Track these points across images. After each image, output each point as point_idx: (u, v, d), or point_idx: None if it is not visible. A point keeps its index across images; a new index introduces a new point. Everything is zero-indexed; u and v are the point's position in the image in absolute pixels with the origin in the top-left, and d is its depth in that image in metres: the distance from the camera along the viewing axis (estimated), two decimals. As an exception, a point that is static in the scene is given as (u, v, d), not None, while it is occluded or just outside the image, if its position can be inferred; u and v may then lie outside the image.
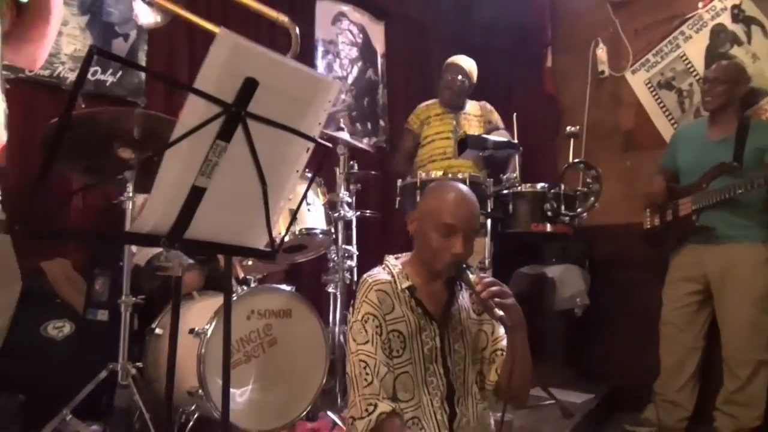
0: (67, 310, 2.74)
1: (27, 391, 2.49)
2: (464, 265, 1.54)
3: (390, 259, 1.69)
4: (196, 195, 0.95)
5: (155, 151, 0.85)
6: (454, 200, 1.57)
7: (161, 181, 0.91)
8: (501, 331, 1.68)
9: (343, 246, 2.84)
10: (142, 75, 3.43)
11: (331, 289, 2.85)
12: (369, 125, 4.71)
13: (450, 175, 2.68)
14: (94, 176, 2.26)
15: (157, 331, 2.26)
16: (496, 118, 3.69)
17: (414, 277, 1.62)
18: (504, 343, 1.65)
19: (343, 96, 4.57)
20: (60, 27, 3.13)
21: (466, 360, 1.65)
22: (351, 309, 1.57)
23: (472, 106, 3.68)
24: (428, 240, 1.55)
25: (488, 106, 3.74)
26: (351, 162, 3.01)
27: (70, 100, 0.75)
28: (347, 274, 2.84)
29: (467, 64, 3.63)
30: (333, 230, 2.59)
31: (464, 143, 2.70)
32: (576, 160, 2.87)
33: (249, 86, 0.92)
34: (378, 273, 1.62)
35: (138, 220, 0.91)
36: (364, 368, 1.44)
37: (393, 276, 1.60)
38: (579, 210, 2.82)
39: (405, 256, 1.71)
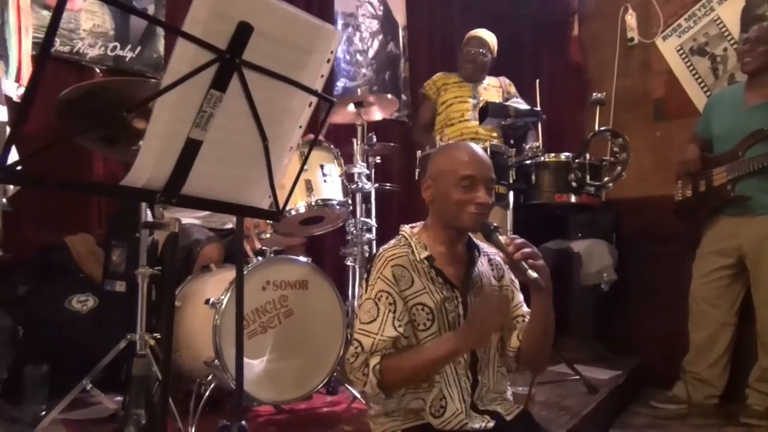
0: (91, 284, 2.78)
1: (52, 361, 2.54)
2: (493, 226, 1.48)
3: (406, 229, 1.63)
4: (191, 148, 0.91)
5: (144, 100, 0.81)
6: (466, 152, 1.53)
7: (152, 131, 0.87)
8: (521, 296, 1.64)
9: (362, 218, 2.79)
10: (161, 50, 3.42)
11: (349, 263, 2.81)
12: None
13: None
14: (109, 147, 2.25)
15: (177, 303, 2.26)
16: (514, 91, 3.59)
17: (432, 245, 1.56)
18: (524, 308, 1.61)
19: (363, 70, 4.50)
20: (79, 3, 3.15)
21: (490, 327, 1.60)
22: (364, 284, 1.51)
23: (490, 80, 3.59)
24: (449, 198, 1.49)
25: (506, 80, 3.64)
26: (369, 134, 2.95)
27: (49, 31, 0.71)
28: (366, 248, 2.80)
29: (489, 36, 3.55)
30: (350, 202, 2.55)
31: (485, 111, 2.62)
32: (602, 128, 2.76)
33: (243, 31, 0.87)
34: (394, 246, 1.55)
35: (129, 174, 0.88)
36: (356, 348, 1.41)
37: (411, 247, 1.54)
38: (606, 180, 2.72)
39: (420, 225, 1.65)
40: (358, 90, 4.11)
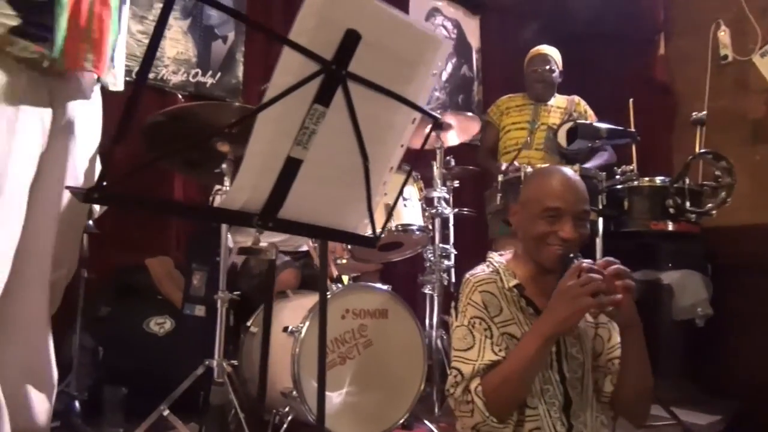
0: (168, 306, 2.79)
1: (129, 384, 2.55)
2: (572, 255, 1.34)
3: (494, 256, 1.55)
4: (291, 168, 0.84)
5: (249, 113, 0.74)
6: (558, 181, 1.41)
7: (252, 149, 0.80)
8: (618, 338, 1.49)
9: (440, 245, 2.68)
10: (240, 76, 3.47)
11: (427, 291, 2.70)
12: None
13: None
14: (192, 170, 2.26)
15: (252, 329, 2.22)
16: (583, 110, 3.39)
17: (521, 274, 1.46)
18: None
19: (437, 93, 4.43)
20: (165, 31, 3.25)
21: (584, 367, 1.46)
22: (453, 312, 1.44)
23: (557, 100, 3.42)
24: (531, 229, 1.40)
25: (576, 98, 3.45)
26: (447, 157, 2.86)
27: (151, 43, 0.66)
28: (444, 275, 2.67)
29: (552, 51, 3.41)
30: (430, 227, 2.44)
31: (574, 132, 2.47)
32: (703, 150, 2.54)
33: (350, 40, 0.80)
34: (481, 271, 1.48)
35: (227, 195, 0.81)
36: (455, 376, 1.32)
37: (499, 274, 1.45)
38: (709, 206, 2.49)
39: (509, 253, 1.55)
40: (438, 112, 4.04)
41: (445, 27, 4.56)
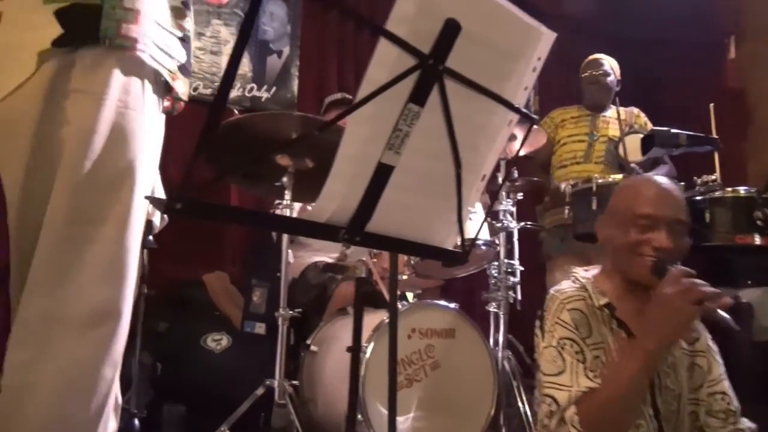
0: (225, 323, 2.76)
1: (188, 401, 2.51)
2: (669, 264, 1.20)
3: (579, 272, 1.42)
4: (382, 175, 0.75)
5: (340, 115, 0.66)
6: (650, 188, 1.31)
7: (343, 153, 0.72)
8: (721, 369, 1.35)
9: (506, 260, 2.55)
10: (295, 90, 3.46)
11: (492, 308, 2.56)
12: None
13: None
14: (252, 183, 2.22)
15: (313, 347, 2.14)
16: (643, 122, 3.20)
17: (612, 292, 1.33)
18: (725, 384, 1.33)
19: (492, 104, 4.32)
20: (221, 47, 3.26)
21: (681, 400, 1.32)
22: (539, 332, 1.33)
23: (614, 111, 3.24)
24: (623, 238, 1.28)
25: (635, 110, 3.26)
26: (511, 169, 2.74)
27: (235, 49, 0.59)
28: (510, 292, 2.54)
29: (608, 58, 3.24)
30: (497, 242, 2.32)
31: (650, 140, 2.31)
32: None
33: (449, 31, 0.71)
34: (568, 288, 1.36)
35: (315, 206, 0.73)
36: (549, 405, 1.21)
37: (587, 290, 1.33)
38: (801, 218, 2.29)
39: (595, 268, 1.43)
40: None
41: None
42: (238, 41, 0.59)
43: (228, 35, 3.26)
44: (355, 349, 0.89)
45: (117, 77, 1.00)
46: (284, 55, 3.46)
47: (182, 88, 1.20)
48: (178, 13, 1.13)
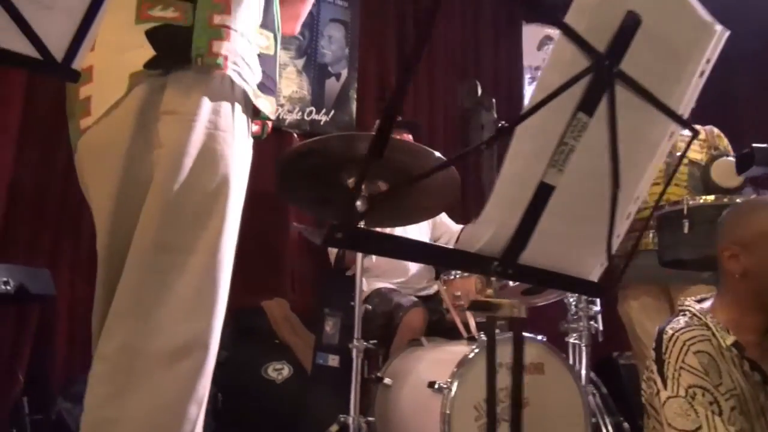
0: (286, 352, 2.67)
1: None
2: None
3: (692, 305, 1.26)
4: (541, 197, 0.64)
5: (510, 123, 0.56)
6: None
7: (506, 173, 0.61)
8: None
9: (586, 288, 2.38)
10: (353, 112, 3.40)
11: (573, 340, 2.39)
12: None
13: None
14: (321, 208, 2.14)
15: (386, 381, 2.01)
16: (725, 144, 2.98)
17: (737, 328, 1.18)
18: None
19: (552, 124, 4.18)
20: (280, 70, 3.24)
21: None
22: (657, 376, 1.20)
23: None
24: None
25: (715, 130, 3.03)
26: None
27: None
28: (592, 323, 2.37)
29: None
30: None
31: (748, 158, 2.13)
32: None
33: (629, 26, 0.60)
34: (687, 326, 1.21)
35: (472, 231, 0.62)
36: None
37: (710, 329, 1.18)
38: None
39: (710, 300, 1.27)
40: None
41: (558, 55, 4.32)
42: (408, 64, 0.49)
43: (287, 59, 3.23)
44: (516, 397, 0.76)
45: (207, 99, 0.97)
46: (342, 78, 3.41)
47: (267, 106, 1.14)
48: (255, 29, 1.10)
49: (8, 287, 2.03)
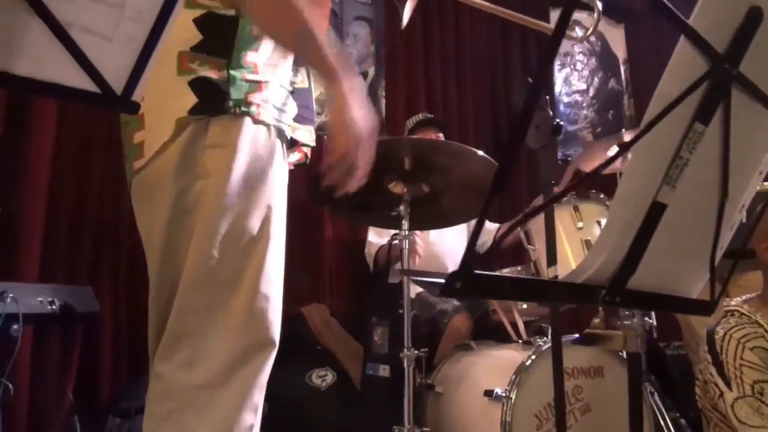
0: (329, 358, 2.63)
1: (295, 440, 2.40)
2: None
3: (740, 306, 1.26)
4: (653, 218, 0.58)
5: (640, 132, 0.50)
6: None
7: (619, 197, 0.56)
8: None
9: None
10: (383, 111, 3.35)
11: (626, 337, 2.31)
12: (610, 139, 4.13)
13: None
14: (363, 214, 2.09)
15: (438, 389, 1.96)
16: None
17: None
18: None
19: (584, 111, 4.07)
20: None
21: None
22: (717, 378, 1.20)
23: None
24: None
25: None
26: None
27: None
28: (647, 318, 2.28)
29: None
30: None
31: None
32: None
33: (750, 25, 0.54)
34: (737, 325, 1.22)
35: (584, 262, 0.56)
36: None
37: (762, 326, 1.17)
38: None
39: (753, 297, 1.27)
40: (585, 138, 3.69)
41: (587, 40, 4.20)
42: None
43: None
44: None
45: (247, 133, 1.06)
46: (370, 77, 3.35)
47: (306, 136, 1.22)
48: (287, 68, 1.17)
49: (53, 307, 2.03)
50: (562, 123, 1.33)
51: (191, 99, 1.03)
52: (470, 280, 0.44)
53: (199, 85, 1.04)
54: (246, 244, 1.04)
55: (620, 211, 0.57)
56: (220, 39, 1.06)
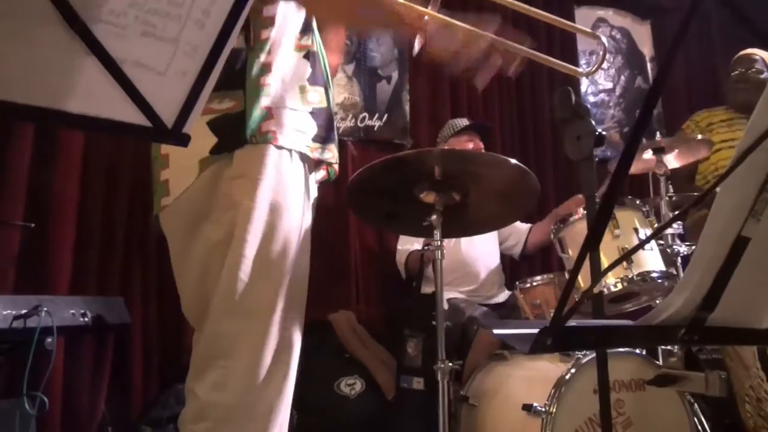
0: (357, 366, 2.62)
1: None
2: None
3: None
4: (736, 252, 0.55)
5: (737, 160, 0.46)
6: None
7: (705, 235, 0.53)
8: None
9: (674, 290, 2.24)
10: (407, 115, 3.31)
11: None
12: (644, 141, 4.05)
13: None
14: (388, 221, 2.07)
15: (472, 401, 1.93)
16: None
17: None
18: None
19: (611, 111, 4.00)
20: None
21: None
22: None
23: None
24: None
25: None
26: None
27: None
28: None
29: (762, 52, 2.85)
30: (674, 272, 2.02)
31: None
32: None
33: None
34: None
35: (664, 302, 0.53)
36: None
37: None
38: None
39: None
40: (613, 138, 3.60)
41: (613, 37, 4.13)
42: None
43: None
44: None
45: (268, 161, 1.11)
46: (393, 81, 3.32)
47: (328, 154, 1.24)
48: (303, 90, 1.19)
49: (86, 319, 2.04)
50: (604, 133, 1.30)
51: (212, 140, 1.09)
52: (562, 335, 0.41)
53: (217, 125, 1.09)
54: (272, 269, 1.09)
55: (705, 249, 0.54)
56: (234, 72, 1.10)
